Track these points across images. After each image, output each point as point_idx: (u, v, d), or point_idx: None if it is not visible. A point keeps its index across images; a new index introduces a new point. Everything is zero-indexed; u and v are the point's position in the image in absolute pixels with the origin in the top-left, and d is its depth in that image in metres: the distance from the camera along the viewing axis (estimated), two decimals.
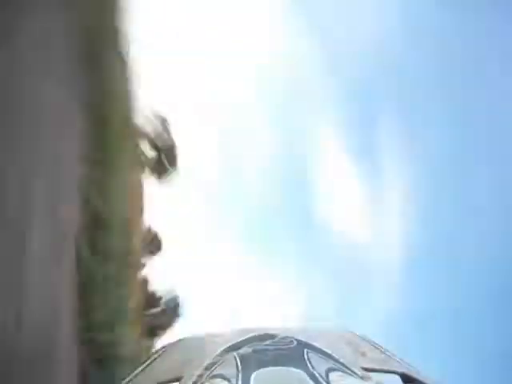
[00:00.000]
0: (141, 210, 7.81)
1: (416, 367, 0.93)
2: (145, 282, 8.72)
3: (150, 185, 9.16)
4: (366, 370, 0.82)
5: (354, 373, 0.77)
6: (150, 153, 9.77)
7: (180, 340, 1.28)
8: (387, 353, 0.98)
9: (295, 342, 0.90)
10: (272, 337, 0.95)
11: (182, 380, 0.84)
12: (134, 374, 1.02)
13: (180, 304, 9.99)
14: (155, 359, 1.10)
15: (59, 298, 3.76)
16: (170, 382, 0.90)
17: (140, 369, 1.04)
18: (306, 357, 0.79)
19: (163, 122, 9.36)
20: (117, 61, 6.03)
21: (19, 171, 2.94)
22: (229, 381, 0.70)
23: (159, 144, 9.49)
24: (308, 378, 0.66)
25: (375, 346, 1.02)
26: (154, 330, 9.13)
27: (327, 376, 0.69)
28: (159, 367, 1.04)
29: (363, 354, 0.92)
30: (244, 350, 0.86)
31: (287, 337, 0.94)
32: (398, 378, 0.88)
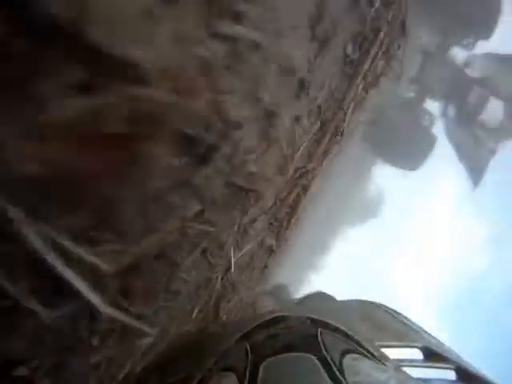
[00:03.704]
0: None
1: (437, 339, 0.89)
2: None
3: None
4: (384, 346, 0.78)
5: (371, 353, 0.73)
6: None
7: (193, 333, 1.24)
8: (407, 322, 0.94)
9: (308, 321, 0.85)
10: (285, 318, 0.89)
11: (191, 377, 0.77)
12: (147, 370, 0.95)
13: None
14: (170, 355, 1.06)
15: None
16: (179, 379, 0.81)
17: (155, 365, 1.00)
18: (319, 338, 0.75)
19: None
20: None
21: None
22: (237, 373, 0.67)
23: None
24: (320, 366, 0.63)
25: (394, 316, 0.96)
26: None
27: (341, 361, 0.66)
28: (171, 364, 1.01)
29: (381, 328, 0.88)
30: (256, 338, 0.82)
31: (300, 316, 0.88)
32: (418, 352, 0.83)
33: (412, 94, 7.02)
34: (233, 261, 1.10)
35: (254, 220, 1.14)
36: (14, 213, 0.33)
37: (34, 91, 0.27)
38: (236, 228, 0.98)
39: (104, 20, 0.27)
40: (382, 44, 1.69)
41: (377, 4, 1.48)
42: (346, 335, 0.78)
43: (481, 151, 5.97)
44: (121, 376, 0.83)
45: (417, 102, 6.87)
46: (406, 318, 0.96)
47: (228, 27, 0.48)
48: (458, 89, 6.67)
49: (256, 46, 0.59)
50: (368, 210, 15.31)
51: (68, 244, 0.39)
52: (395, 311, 0.98)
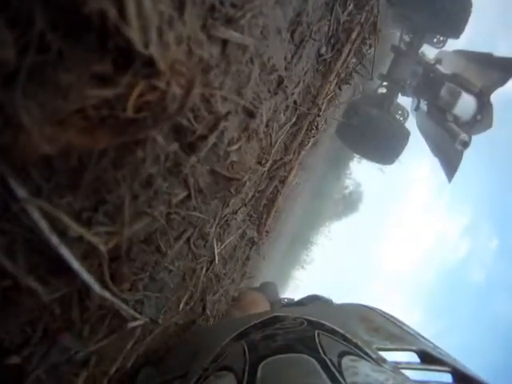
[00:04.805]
0: None
1: (433, 343, 0.90)
2: None
3: None
4: (381, 349, 0.79)
5: (368, 355, 0.74)
6: None
7: (189, 332, 1.27)
8: (403, 327, 0.94)
9: (306, 323, 0.86)
10: (282, 319, 0.92)
11: (189, 375, 0.80)
12: (147, 371, 0.98)
13: None
14: (167, 353, 1.06)
15: None
16: (177, 377, 0.86)
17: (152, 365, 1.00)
18: (317, 340, 0.76)
19: None
20: None
21: None
22: (235, 373, 0.68)
23: None
24: (318, 367, 0.63)
25: (391, 321, 0.97)
26: None
27: (339, 362, 0.65)
28: (169, 362, 1.00)
29: (377, 331, 0.88)
30: (252, 337, 0.84)
31: (298, 318, 0.90)
32: (415, 355, 0.84)
33: (384, 90, 7.17)
34: (216, 252, 1.13)
35: (235, 212, 1.18)
36: (22, 192, 0.37)
37: (60, 79, 0.31)
38: (218, 219, 1.01)
39: (137, 21, 0.32)
40: (354, 44, 1.75)
41: (350, 7, 1.54)
42: (344, 337, 0.79)
43: (454, 145, 6.12)
44: (112, 370, 0.84)
45: (389, 97, 7.00)
46: (401, 322, 0.97)
47: (222, 31, 0.54)
48: (429, 84, 6.82)
49: (244, 48, 0.65)
50: (348, 204, 15.60)
51: (69, 223, 0.43)
52: (391, 315, 1.00)
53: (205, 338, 1.03)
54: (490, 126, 6.27)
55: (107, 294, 0.56)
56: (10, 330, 0.51)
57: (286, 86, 1.04)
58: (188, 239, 0.88)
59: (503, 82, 6.01)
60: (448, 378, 0.77)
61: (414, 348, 0.83)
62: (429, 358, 0.81)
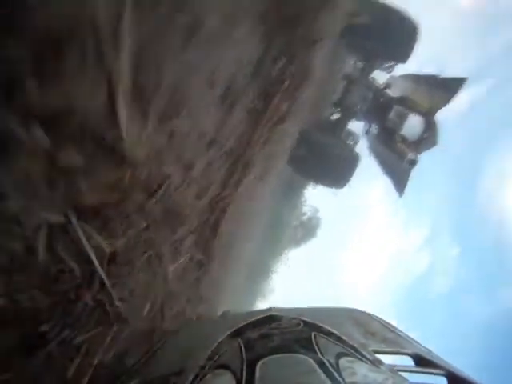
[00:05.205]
0: None
1: (426, 347, 0.94)
2: None
3: None
4: (377, 352, 0.82)
5: (365, 357, 0.77)
6: None
7: (182, 327, 1.36)
8: (397, 332, 0.97)
9: (302, 324, 0.90)
10: (278, 319, 0.96)
11: (184, 372, 0.82)
12: (135, 366, 1.03)
13: None
14: (158, 349, 1.11)
15: None
16: (172, 374, 0.87)
17: (142, 361, 1.05)
18: (314, 341, 0.79)
19: None
20: None
21: None
22: (233, 372, 0.70)
23: None
24: (317, 367, 0.67)
25: (385, 325, 1.00)
26: None
27: (337, 363, 0.69)
28: (162, 358, 1.04)
29: (373, 335, 0.92)
30: (249, 336, 0.87)
31: (294, 318, 0.94)
32: (409, 359, 0.89)
33: (337, 116, 7.70)
34: (169, 270, 1.42)
35: (183, 238, 1.47)
36: (74, 220, 0.75)
37: (86, 185, 0.72)
38: (169, 244, 1.32)
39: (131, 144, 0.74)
40: (286, 91, 1.99)
41: (281, 62, 1.78)
42: (340, 339, 0.83)
43: (402, 163, 6.59)
44: (95, 362, 0.99)
45: (341, 123, 7.48)
46: (395, 327, 1.01)
47: (169, 125, 0.95)
48: (379, 108, 7.33)
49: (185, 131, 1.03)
50: (306, 230, 15.74)
51: (95, 236, 0.82)
52: (385, 321, 1.05)
53: (198, 334, 1.10)
54: (435, 143, 6.78)
55: (105, 278, 0.92)
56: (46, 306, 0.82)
57: (219, 141, 1.41)
58: (149, 257, 1.20)
59: (446, 101, 6.52)
60: (442, 381, 0.82)
61: (408, 352, 0.87)
62: (423, 362, 0.85)
